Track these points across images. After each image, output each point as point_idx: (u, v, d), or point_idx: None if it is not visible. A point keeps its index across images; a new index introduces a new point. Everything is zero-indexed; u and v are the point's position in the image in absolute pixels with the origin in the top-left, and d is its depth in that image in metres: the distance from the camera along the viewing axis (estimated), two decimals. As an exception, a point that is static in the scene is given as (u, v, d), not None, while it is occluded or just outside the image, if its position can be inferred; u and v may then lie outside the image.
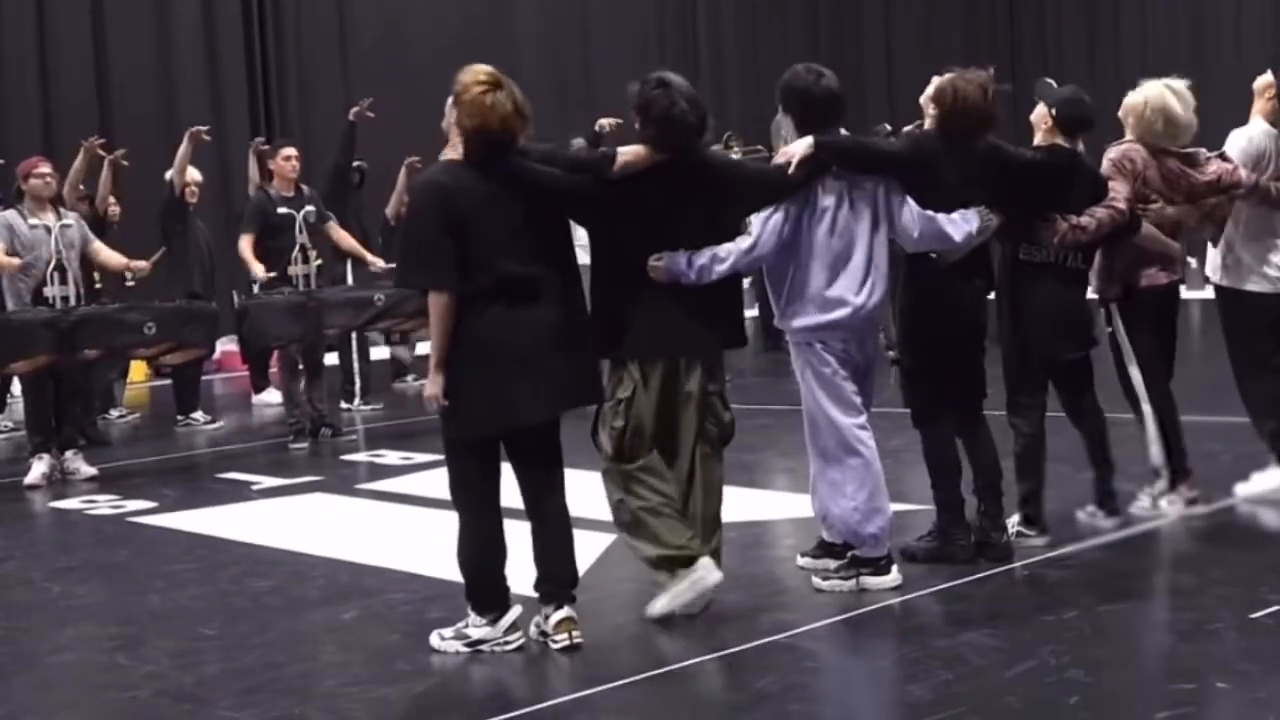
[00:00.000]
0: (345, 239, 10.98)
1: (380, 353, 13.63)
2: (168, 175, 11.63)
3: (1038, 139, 6.58)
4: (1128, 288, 6.81)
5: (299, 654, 5.61)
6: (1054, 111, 6.48)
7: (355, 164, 12.34)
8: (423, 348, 14.12)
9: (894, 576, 5.91)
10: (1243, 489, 7.17)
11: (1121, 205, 6.50)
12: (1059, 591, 5.84)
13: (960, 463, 6.30)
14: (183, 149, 11.22)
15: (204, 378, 13.01)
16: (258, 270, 10.36)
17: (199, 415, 12.05)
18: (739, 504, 7.54)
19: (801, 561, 6.25)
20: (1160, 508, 6.88)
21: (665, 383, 5.56)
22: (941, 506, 6.26)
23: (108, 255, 9.98)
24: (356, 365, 12.52)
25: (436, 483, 8.77)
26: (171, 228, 11.79)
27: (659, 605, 5.58)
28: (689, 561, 5.52)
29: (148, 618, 6.24)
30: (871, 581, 5.87)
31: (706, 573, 5.54)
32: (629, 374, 5.54)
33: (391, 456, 10.00)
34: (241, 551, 7.38)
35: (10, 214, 9.60)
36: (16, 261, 9.40)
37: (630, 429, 5.54)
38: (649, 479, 5.55)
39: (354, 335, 11.95)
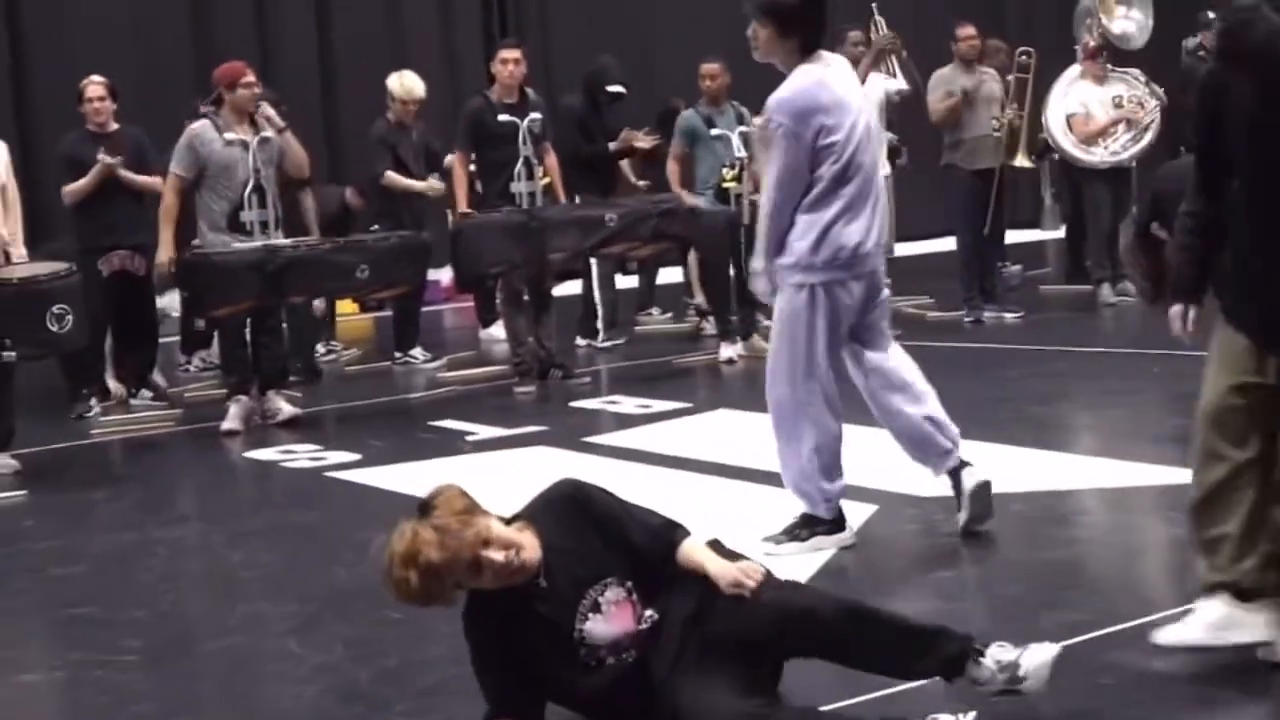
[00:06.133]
0: (552, 165, 10.41)
1: (628, 281, 13.01)
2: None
3: None
4: None
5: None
6: None
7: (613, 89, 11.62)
8: (666, 275, 13.49)
9: (849, 533, 5.86)
10: None
11: None
12: None
13: None
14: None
15: (431, 308, 12.56)
16: (461, 203, 10.12)
17: (418, 352, 11.61)
18: (1030, 467, 6.97)
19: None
20: None
21: None
22: None
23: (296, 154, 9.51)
24: (599, 294, 11.85)
25: (676, 437, 8.35)
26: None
27: None
28: None
29: (330, 595, 5.83)
30: (828, 540, 5.77)
31: None
32: None
33: (628, 404, 9.37)
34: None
35: (201, 126, 9.18)
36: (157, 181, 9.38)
37: None
38: None
39: (594, 261, 11.29)
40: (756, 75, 6.70)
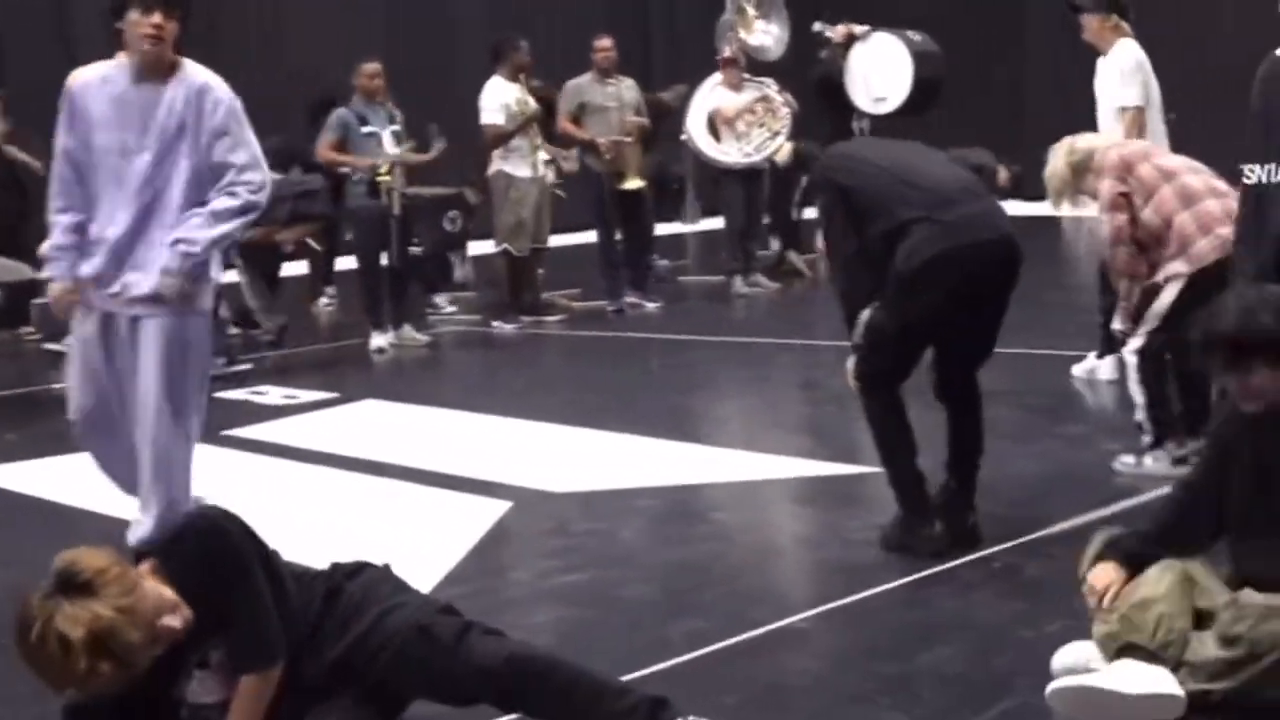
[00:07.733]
0: None
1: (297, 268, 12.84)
2: None
3: None
4: None
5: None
6: None
7: None
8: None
9: None
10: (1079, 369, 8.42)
11: None
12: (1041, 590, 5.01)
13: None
14: None
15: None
16: None
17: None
18: (664, 460, 7.03)
19: None
20: (1145, 465, 6.40)
21: None
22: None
23: None
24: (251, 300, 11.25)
25: (321, 430, 8.21)
26: None
27: None
28: None
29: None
30: None
31: None
32: None
33: (273, 394, 9.28)
34: (57, 518, 6.56)
35: None
36: None
37: None
38: None
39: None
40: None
